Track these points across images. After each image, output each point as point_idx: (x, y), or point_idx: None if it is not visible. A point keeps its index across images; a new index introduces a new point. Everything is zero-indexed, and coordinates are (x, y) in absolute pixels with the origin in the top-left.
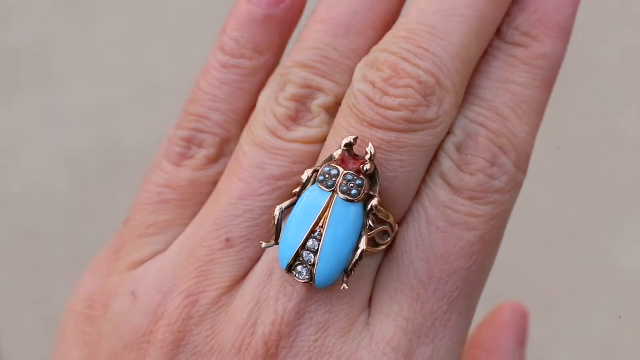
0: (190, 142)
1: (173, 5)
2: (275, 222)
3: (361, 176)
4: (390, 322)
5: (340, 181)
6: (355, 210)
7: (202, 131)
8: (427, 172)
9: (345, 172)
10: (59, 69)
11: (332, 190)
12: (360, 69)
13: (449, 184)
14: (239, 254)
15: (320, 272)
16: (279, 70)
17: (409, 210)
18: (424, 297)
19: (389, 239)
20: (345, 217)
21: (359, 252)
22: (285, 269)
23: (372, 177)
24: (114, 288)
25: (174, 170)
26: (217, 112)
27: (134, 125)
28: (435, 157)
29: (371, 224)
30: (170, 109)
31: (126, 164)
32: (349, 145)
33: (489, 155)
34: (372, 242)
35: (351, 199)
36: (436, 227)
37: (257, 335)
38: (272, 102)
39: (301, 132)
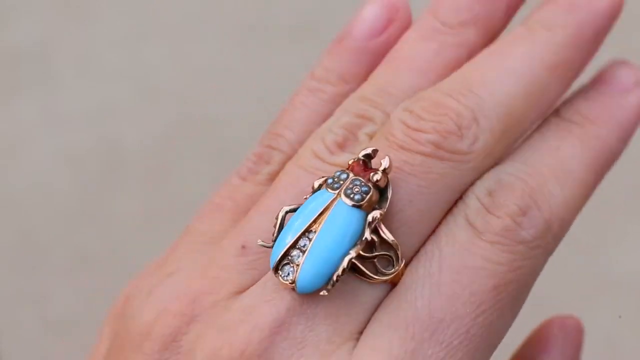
0: (260, 158)
1: (173, 5)
2: (277, 223)
3: (369, 184)
4: (376, 356)
5: (347, 184)
6: (355, 216)
7: (273, 148)
8: (450, 212)
9: (354, 177)
10: (59, 69)
11: (337, 192)
12: (404, 101)
13: (472, 225)
14: (251, 263)
15: (304, 273)
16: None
17: (422, 248)
18: (419, 337)
19: (393, 270)
20: (342, 220)
21: (347, 258)
22: (273, 269)
23: (382, 192)
24: (143, 288)
25: (240, 183)
26: (291, 132)
27: (134, 125)
28: (461, 198)
29: (368, 237)
30: (171, 109)
31: (126, 164)
32: (368, 157)
33: (522, 204)
34: (372, 268)
35: (353, 203)
36: (448, 265)
37: (234, 343)
38: (325, 130)
39: (344, 157)
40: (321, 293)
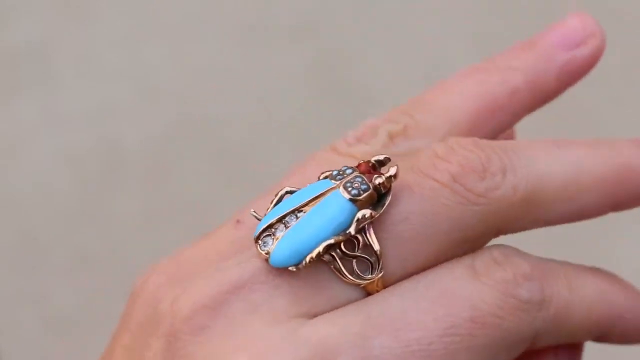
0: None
1: (173, 6)
2: (275, 200)
3: (370, 184)
4: (330, 328)
5: (349, 178)
6: (347, 209)
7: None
8: (457, 258)
9: (358, 174)
10: (59, 69)
11: (337, 183)
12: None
13: (473, 267)
14: (242, 237)
15: (280, 247)
16: None
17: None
18: (381, 327)
19: (370, 277)
20: (333, 208)
21: (324, 243)
22: (254, 238)
23: (380, 197)
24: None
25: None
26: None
27: (134, 125)
28: (472, 250)
29: (352, 232)
30: (170, 109)
31: (126, 164)
32: (379, 162)
33: (533, 275)
34: (349, 268)
35: (349, 196)
36: (435, 286)
37: (191, 294)
38: (353, 129)
39: (358, 147)
40: (290, 268)
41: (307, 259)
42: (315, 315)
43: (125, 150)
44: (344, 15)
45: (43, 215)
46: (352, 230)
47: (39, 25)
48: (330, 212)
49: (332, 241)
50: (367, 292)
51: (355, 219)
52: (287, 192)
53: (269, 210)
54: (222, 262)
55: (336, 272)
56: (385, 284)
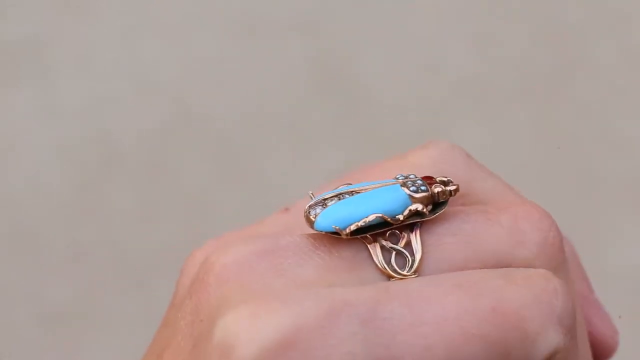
0: None
1: (171, 2)
2: (333, 189)
3: (429, 188)
4: (341, 290)
5: (411, 179)
6: (402, 199)
7: None
8: None
9: (420, 179)
10: (55, 64)
11: (401, 180)
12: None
13: (510, 276)
14: (288, 221)
15: (327, 212)
16: None
17: None
18: (393, 294)
19: (405, 272)
20: (388, 194)
21: (374, 214)
22: (307, 208)
23: (437, 205)
24: None
25: None
26: None
27: (130, 120)
28: None
29: (400, 217)
30: (166, 104)
31: (122, 159)
32: (443, 182)
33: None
34: (387, 258)
35: (406, 191)
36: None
37: (221, 255)
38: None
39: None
40: (333, 226)
41: (352, 226)
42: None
43: (121, 145)
44: (343, 14)
45: (38, 210)
46: (401, 217)
47: (34, 20)
48: (385, 196)
49: (380, 215)
50: None
51: (408, 209)
52: (345, 185)
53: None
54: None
55: (373, 257)
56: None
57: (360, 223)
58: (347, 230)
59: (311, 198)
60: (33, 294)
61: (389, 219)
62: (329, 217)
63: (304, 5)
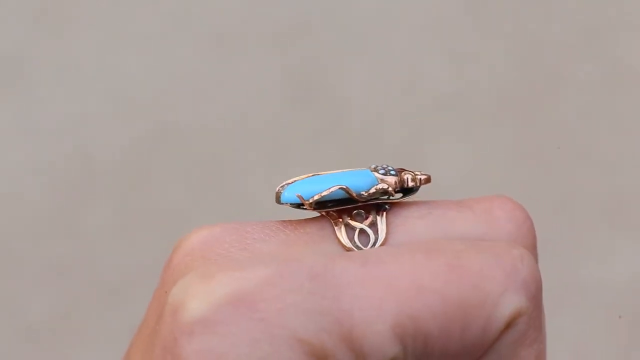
0: None
1: (147, 16)
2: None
3: (399, 173)
4: (292, 253)
5: (382, 165)
6: (369, 178)
7: None
8: None
9: (392, 167)
10: (32, 79)
11: (372, 169)
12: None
13: (480, 246)
14: None
15: (292, 186)
16: None
17: None
18: (350, 256)
19: (369, 249)
20: (355, 173)
21: (334, 187)
22: (278, 188)
23: (407, 191)
24: None
25: None
26: None
27: (107, 135)
28: None
29: (364, 194)
30: (144, 119)
31: (99, 174)
32: (421, 180)
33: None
34: (350, 236)
35: (375, 173)
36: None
37: (192, 236)
38: None
39: None
40: (296, 194)
41: (316, 196)
42: None
43: (99, 160)
44: (321, 26)
45: (16, 226)
46: (365, 193)
47: (11, 35)
48: (353, 176)
49: (344, 187)
50: None
51: (374, 187)
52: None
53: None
54: None
55: (337, 233)
56: None
57: (324, 193)
58: (310, 200)
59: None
60: (13, 308)
61: (353, 194)
62: (292, 190)
63: (284, 22)
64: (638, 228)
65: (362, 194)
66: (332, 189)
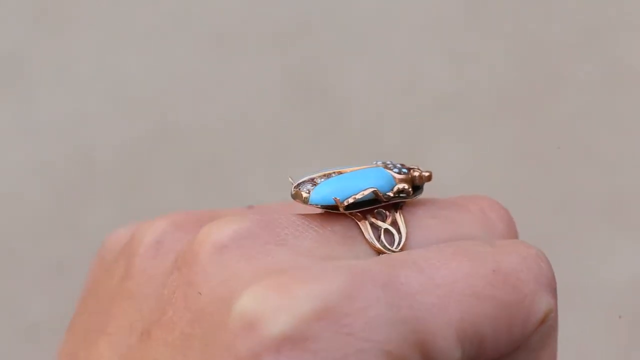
0: None
1: (149, 18)
2: (311, 175)
3: (409, 171)
4: (354, 261)
5: (391, 164)
6: (387, 178)
7: None
8: None
9: (399, 164)
10: (31, 78)
11: (382, 165)
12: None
13: (495, 244)
14: (254, 214)
15: (321, 187)
16: None
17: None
18: (402, 262)
19: (394, 249)
20: (374, 173)
21: (368, 189)
22: (295, 185)
23: (415, 188)
24: None
25: None
26: None
27: (107, 134)
28: None
29: (391, 195)
30: (144, 118)
31: (99, 174)
32: (424, 176)
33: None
34: (376, 235)
35: (390, 172)
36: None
37: (219, 232)
38: None
39: None
40: (333, 198)
41: (350, 199)
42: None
43: (100, 159)
44: (321, 26)
45: (16, 226)
46: (391, 194)
47: (11, 36)
48: (372, 175)
49: (375, 189)
50: None
51: (396, 187)
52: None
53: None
54: None
55: (364, 233)
56: None
57: (358, 196)
58: (345, 203)
59: (291, 183)
60: (13, 308)
61: (382, 196)
62: (322, 191)
63: (284, 22)
64: (638, 228)
65: (388, 195)
66: (366, 192)
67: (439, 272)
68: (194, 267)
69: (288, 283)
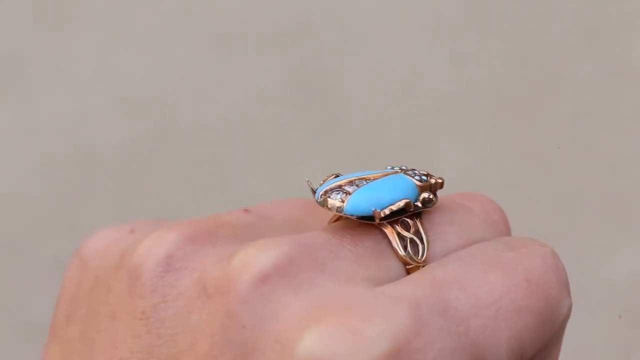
0: None
1: (148, 13)
2: (325, 179)
3: (426, 177)
4: (400, 290)
5: (409, 170)
6: (412, 187)
7: None
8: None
9: (415, 170)
10: (33, 77)
11: (400, 170)
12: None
13: (508, 244)
14: (255, 221)
15: (356, 196)
16: None
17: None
18: (445, 289)
19: (419, 258)
20: (402, 182)
21: (403, 200)
22: (321, 193)
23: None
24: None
25: None
26: None
27: (109, 133)
28: None
29: (419, 204)
30: (145, 117)
31: (101, 172)
32: (434, 182)
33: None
34: (403, 246)
35: (414, 180)
36: (482, 259)
37: (258, 260)
38: None
39: None
40: (373, 209)
41: (387, 210)
42: (375, 283)
43: (100, 158)
44: (322, 26)
45: (17, 225)
46: (419, 204)
47: (12, 35)
48: (399, 184)
49: (408, 200)
50: (408, 274)
51: (422, 196)
52: (336, 176)
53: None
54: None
55: (393, 245)
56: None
57: (394, 207)
58: (382, 214)
59: (311, 188)
60: (13, 308)
61: (412, 206)
62: (358, 202)
63: (284, 21)
64: (638, 228)
65: (417, 205)
66: (401, 204)
67: (482, 289)
68: (232, 297)
69: (355, 322)
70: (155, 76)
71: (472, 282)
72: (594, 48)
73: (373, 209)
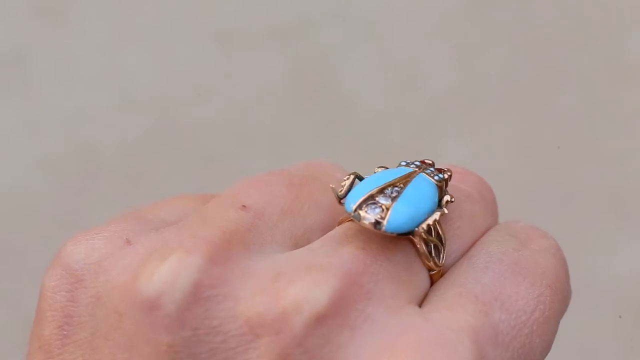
0: None
1: (151, 10)
2: (349, 180)
3: (440, 175)
4: (451, 317)
5: (425, 168)
6: (434, 190)
7: None
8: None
9: (427, 167)
10: (36, 74)
11: (416, 168)
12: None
13: (516, 237)
14: (254, 219)
15: (397, 212)
16: None
17: (469, 251)
18: (490, 308)
19: (441, 262)
20: (428, 187)
21: (436, 214)
22: (352, 211)
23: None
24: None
25: None
26: None
27: (111, 130)
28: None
29: (445, 211)
30: (148, 114)
31: (103, 169)
32: (441, 171)
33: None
34: (429, 252)
35: (435, 181)
36: (503, 259)
37: (313, 300)
38: None
39: None
40: (416, 228)
41: (424, 225)
42: (417, 298)
43: (102, 155)
44: (326, 22)
45: (19, 222)
46: (445, 209)
47: (15, 30)
48: (426, 190)
49: (443, 212)
50: (431, 279)
51: (445, 200)
52: (355, 177)
53: (344, 190)
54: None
55: (421, 254)
56: (443, 273)
57: (430, 222)
58: (421, 231)
59: (334, 192)
60: (14, 305)
61: (439, 215)
62: (399, 220)
63: (288, 18)
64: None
65: (445, 211)
66: (437, 217)
67: (517, 304)
68: (287, 339)
69: None
70: (157, 74)
71: (508, 297)
72: (599, 43)
73: (416, 229)
